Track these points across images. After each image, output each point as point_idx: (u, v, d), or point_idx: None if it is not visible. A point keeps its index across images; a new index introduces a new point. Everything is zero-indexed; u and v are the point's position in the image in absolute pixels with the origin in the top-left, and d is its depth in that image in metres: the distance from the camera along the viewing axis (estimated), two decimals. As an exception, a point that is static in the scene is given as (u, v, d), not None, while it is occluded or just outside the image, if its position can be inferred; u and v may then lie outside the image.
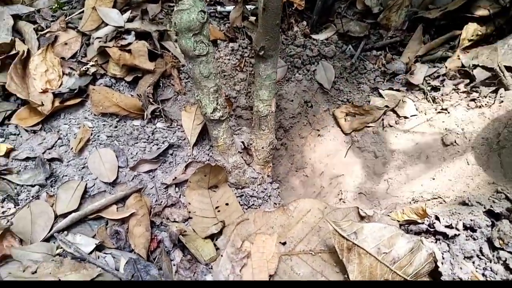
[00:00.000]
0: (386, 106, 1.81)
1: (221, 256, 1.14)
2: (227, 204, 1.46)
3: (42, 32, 1.76)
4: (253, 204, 1.54)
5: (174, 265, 1.30)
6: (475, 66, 1.70)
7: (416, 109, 1.77)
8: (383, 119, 1.83)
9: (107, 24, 1.78)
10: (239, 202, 1.52)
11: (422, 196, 1.53)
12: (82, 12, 1.84)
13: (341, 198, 1.85)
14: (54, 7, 1.89)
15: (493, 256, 1.14)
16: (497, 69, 1.61)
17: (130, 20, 1.83)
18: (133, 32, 1.78)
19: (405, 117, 1.78)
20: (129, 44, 1.72)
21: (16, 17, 1.76)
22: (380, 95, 1.86)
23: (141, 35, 1.80)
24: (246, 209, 1.53)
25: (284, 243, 1.21)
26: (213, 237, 1.34)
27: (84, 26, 1.79)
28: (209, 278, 1.14)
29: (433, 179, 1.58)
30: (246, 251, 1.10)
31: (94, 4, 1.81)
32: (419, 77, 1.83)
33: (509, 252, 1.11)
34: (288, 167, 2.03)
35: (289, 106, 1.92)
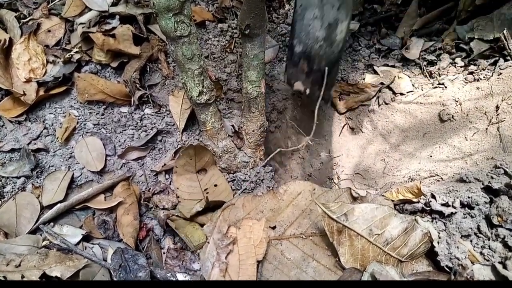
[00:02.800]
0: (382, 83, 1.75)
1: (208, 243, 1.10)
2: (215, 185, 1.43)
3: (24, 20, 1.71)
4: (245, 189, 1.50)
5: (164, 253, 1.27)
6: (471, 39, 1.64)
7: (412, 85, 1.71)
8: (378, 97, 1.77)
9: (90, 9, 1.72)
10: (231, 187, 1.48)
11: (419, 174, 1.48)
12: (65, -3, 1.78)
13: (338, 179, 1.81)
14: (36, -7, 1.83)
15: (491, 233, 1.09)
16: (502, 37, 1.53)
17: (115, 4, 1.76)
18: (117, 16, 1.71)
19: (401, 94, 1.72)
20: (113, 28, 1.66)
21: (-3, 6, 1.71)
22: (375, 72, 1.80)
23: (126, 19, 1.74)
24: (239, 194, 1.49)
25: (274, 227, 1.17)
26: (199, 217, 1.30)
27: (67, 12, 1.73)
28: (196, 266, 1.11)
29: (431, 156, 1.53)
30: (232, 237, 1.07)
31: (77, -11, 1.74)
32: (414, 51, 1.77)
33: (507, 229, 1.06)
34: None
35: (282, 87, 1.86)
